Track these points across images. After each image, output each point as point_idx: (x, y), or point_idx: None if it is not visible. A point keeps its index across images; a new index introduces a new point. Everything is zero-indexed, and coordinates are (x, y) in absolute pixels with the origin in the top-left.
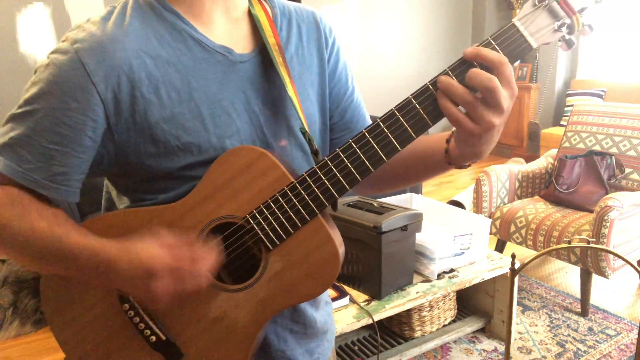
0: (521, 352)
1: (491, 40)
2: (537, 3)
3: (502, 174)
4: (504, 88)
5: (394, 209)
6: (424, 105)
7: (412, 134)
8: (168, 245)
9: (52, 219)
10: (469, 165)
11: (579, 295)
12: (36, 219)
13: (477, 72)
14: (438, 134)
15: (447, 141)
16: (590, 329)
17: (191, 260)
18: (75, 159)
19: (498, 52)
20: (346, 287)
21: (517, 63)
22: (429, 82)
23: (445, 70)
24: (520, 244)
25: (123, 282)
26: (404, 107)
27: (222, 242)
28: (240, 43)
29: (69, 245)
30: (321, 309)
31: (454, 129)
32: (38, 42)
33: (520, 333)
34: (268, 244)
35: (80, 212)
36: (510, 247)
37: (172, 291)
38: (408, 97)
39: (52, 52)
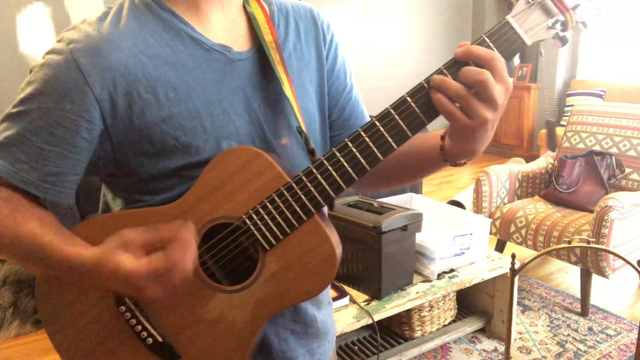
0: (521, 352)
1: (485, 38)
2: (530, 0)
3: (502, 174)
4: (497, 83)
5: (394, 209)
6: (420, 104)
7: (408, 132)
8: (135, 245)
9: (36, 224)
10: (465, 163)
11: (579, 295)
12: (22, 224)
13: (467, 68)
14: (433, 131)
15: (442, 138)
16: (590, 329)
17: (168, 259)
18: (69, 160)
19: (492, 49)
20: (346, 287)
21: (517, 63)
22: (423, 80)
23: (440, 68)
24: (520, 244)
25: (110, 287)
26: (399, 105)
27: (217, 242)
28: (238, 41)
29: (51, 253)
30: (323, 308)
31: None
32: (38, 42)
33: (520, 333)
34: (265, 244)
35: (80, 212)
36: (510, 247)
37: (161, 293)
38: (403, 96)
39: (48, 53)
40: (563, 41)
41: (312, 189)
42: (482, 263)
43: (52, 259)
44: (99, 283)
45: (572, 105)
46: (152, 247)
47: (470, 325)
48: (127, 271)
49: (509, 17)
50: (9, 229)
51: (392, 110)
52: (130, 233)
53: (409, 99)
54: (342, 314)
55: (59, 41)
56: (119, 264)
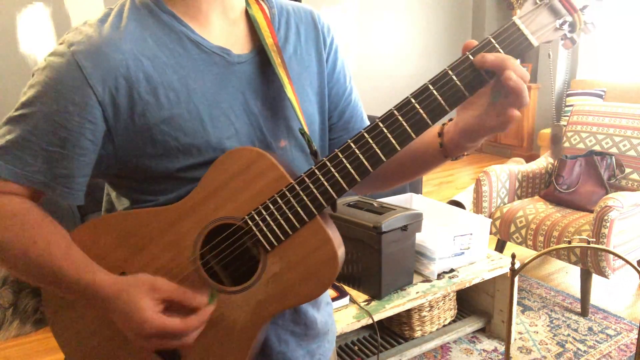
0: (521, 352)
1: (492, 39)
2: (538, 1)
3: (502, 174)
4: None
5: (394, 209)
6: (424, 105)
7: (412, 134)
8: (163, 301)
9: (44, 246)
10: (464, 155)
11: (579, 295)
12: (31, 245)
13: (517, 63)
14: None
15: (440, 134)
16: (590, 329)
17: (184, 326)
18: (76, 161)
19: (499, 50)
20: (346, 287)
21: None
22: (428, 81)
23: (445, 69)
24: (520, 244)
25: (116, 321)
26: (403, 107)
27: (218, 245)
28: (238, 44)
29: (63, 277)
30: (322, 309)
31: (444, 122)
32: (38, 42)
33: (520, 333)
34: (266, 245)
35: (80, 212)
36: (510, 247)
37: (155, 348)
38: (407, 97)
39: (49, 55)
40: (572, 42)
41: (314, 190)
42: (482, 263)
43: (64, 283)
44: (108, 312)
45: (572, 105)
46: (173, 305)
47: (470, 325)
48: (143, 315)
49: (515, 18)
50: (18, 252)
51: (395, 112)
52: (164, 282)
53: (413, 100)
54: (342, 314)
55: (60, 43)
56: (140, 306)
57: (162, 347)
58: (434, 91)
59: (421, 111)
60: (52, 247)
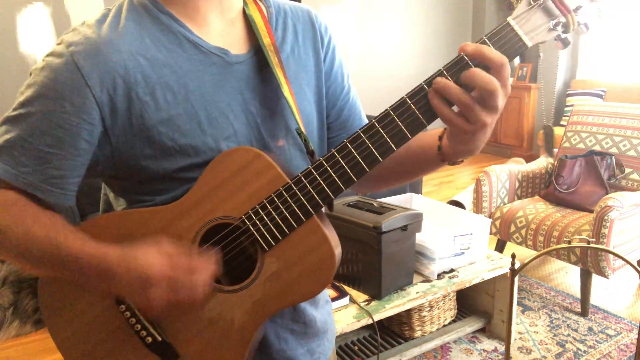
0: (521, 352)
1: (486, 40)
2: (532, 2)
3: (502, 174)
4: (501, 89)
5: (394, 209)
6: (419, 106)
7: (407, 134)
8: (167, 253)
9: (48, 224)
10: (462, 162)
11: (579, 295)
12: (32, 225)
13: (478, 72)
14: (431, 130)
15: (440, 138)
16: (590, 329)
17: (189, 271)
18: (71, 162)
19: None
20: (346, 287)
21: (517, 63)
22: (423, 82)
23: (440, 70)
24: (520, 244)
25: (120, 287)
26: (399, 107)
27: (220, 249)
28: (236, 44)
29: (67, 251)
30: (321, 308)
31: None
32: (38, 42)
33: (520, 333)
34: (264, 244)
35: (80, 213)
36: (510, 247)
37: (166, 300)
38: (403, 97)
39: (47, 55)
40: (565, 43)
41: (311, 189)
42: (482, 263)
43: (68, 255)
44: (112, 279)
45: (572, 105)
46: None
47: (470, 325)
48: (149, 262)
49: (509, 19)
50: (20, 233)
51: (391, 112)
52: (164, 238)
53: (408, 100)
54: (342, 314)
55: (58, 44)
56: (144, 254)
57: (171, 300)
58: (428, 91)
59: (417, 111)
60: (55, 222)
